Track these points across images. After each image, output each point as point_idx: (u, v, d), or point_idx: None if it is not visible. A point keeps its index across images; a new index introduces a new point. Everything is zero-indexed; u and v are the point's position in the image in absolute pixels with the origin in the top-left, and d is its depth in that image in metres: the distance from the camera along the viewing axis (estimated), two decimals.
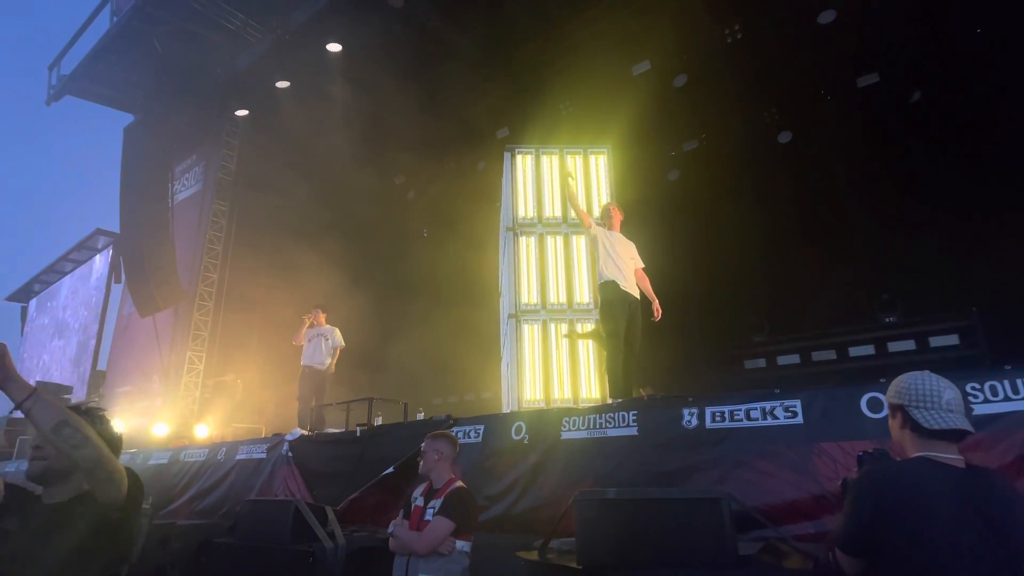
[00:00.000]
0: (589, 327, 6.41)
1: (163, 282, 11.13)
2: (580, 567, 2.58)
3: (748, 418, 3.37)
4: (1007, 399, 2.75)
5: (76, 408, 1.66)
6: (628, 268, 5.02)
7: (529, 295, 6.70)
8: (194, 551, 4.78)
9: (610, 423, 3.89)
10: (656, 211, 8.70)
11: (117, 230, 13.65)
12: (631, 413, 3.85)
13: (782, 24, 8.42)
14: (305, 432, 6.50)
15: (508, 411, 6.18)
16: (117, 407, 12.19)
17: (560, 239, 6.95)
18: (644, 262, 5.27)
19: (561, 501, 3.45)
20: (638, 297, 5.01)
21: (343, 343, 7.50)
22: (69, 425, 1.48)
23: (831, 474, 2.97)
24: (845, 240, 8.10)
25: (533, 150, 7.32)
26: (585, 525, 2.66)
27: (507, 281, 6.98)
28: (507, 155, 7.35)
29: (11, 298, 21.28)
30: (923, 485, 1.52)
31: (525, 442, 4.23)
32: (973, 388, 2.82)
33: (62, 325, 17.25)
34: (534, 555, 2.92)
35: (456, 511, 2.71)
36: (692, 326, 8.79)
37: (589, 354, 6.46)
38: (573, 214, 6.61)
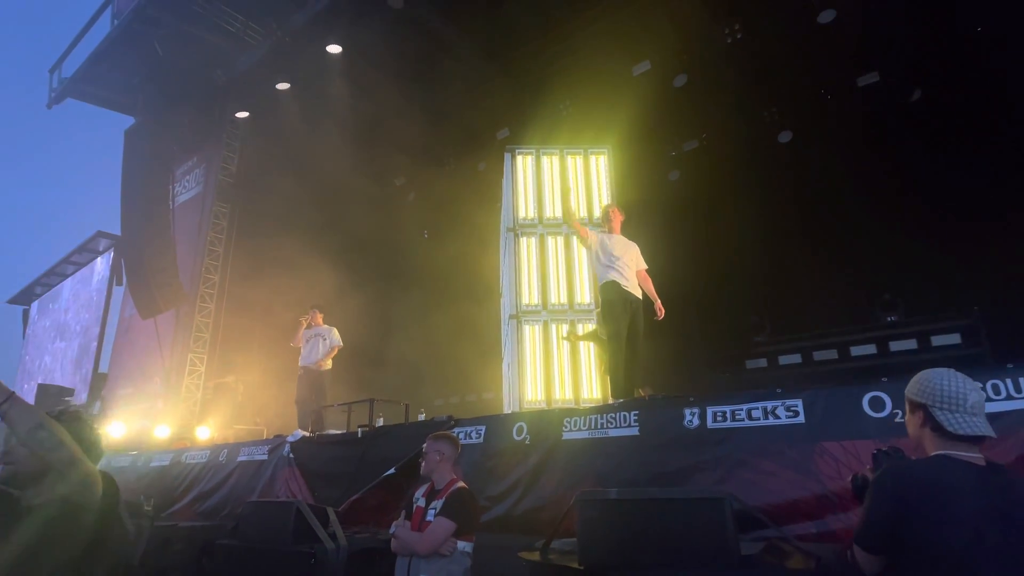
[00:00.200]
0: (590, 327, 6.41)
1: (164, 284, 11.14)
2: (582, 567, 2.58)
3: (750, 418, 3.37)
4: (1009, 398, 2.75)
5: (53, 412, 1.71)
6: (629, 269, 5.01)
7: (530, 295, 6.70)
8: (196, 553, 4.80)
9: (611, 423, 3.89)
10: (657, 211, 8.70)
11: (118, 232, 13.65)
12: (632, 413, 3.85)
13: (782, 24, 8.42)
14: (306, 434, 6.50)
15: (509, 412, 6.18)
16: (119, 409, 12.20)
17: (561, 239, 6.95)
18: (645, 262, 5.27)
19: (562, 501, 3.45)
20: (640, 297, 5.01)
21: (341, 343, 7.46)
22: (44, 428, 1.54)
23: (833, 473, 2.96)
24: (846, 239, 8.09)
25: (534, 151, 7.33)
26: (587, 525, 2.66)
27: (508, 282, 6.98)
28: (507, 156, 7.36)
29: (13, 301, 21.31)
30: (944, 483, 1.51)
31: (526, 442, 4.23)
32: None
33: (64, 327, 17.28)
34: (536, 556, 2.91)
35: (458, 512, 2.71)
36: (693, 326, 8.79)
37: (590, 354, 6.46)
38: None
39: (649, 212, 8.06)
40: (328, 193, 12.43)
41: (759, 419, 3.34)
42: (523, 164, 7.23)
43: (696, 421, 3.54)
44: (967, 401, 1.59)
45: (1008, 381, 2.78)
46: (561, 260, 6.86)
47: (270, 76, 10.97)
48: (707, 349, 8.99)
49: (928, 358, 7.06)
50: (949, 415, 1.59)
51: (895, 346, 7.49)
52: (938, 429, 1.60)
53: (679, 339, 7.74)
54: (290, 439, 6.25)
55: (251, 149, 12.50)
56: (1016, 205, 6.63)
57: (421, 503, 2.85)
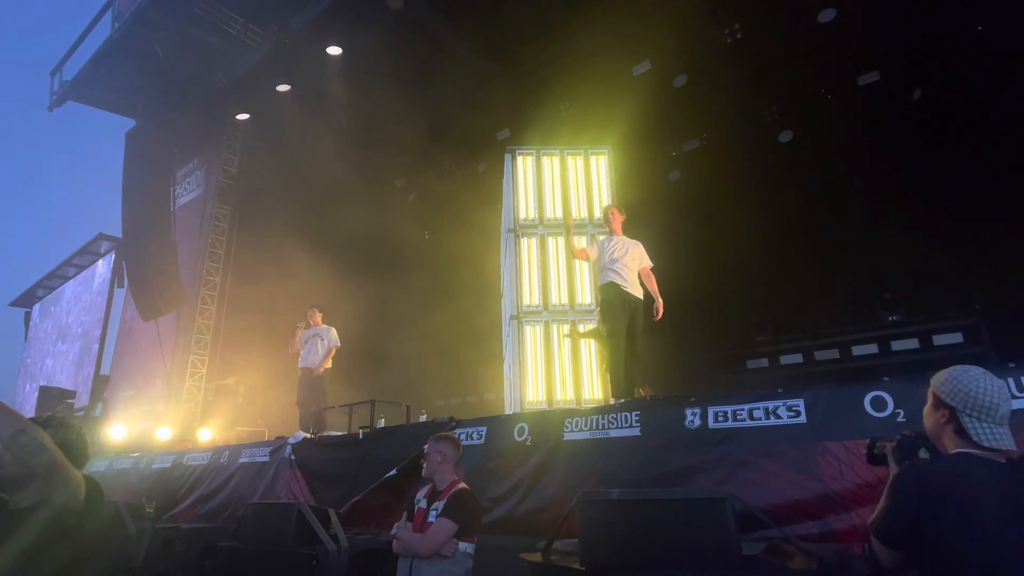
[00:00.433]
0: (591, 327, 6.41)
1: (165, 286, 11.15)
2: (583, 568, 2.58)
3: (751, 418, 3.37)
4: (1012, 396, 2.74)
5: (40, 419, 1.77)
6: (629, 270, 5.02)
7: (531, 296, 6.69)
8: (198, 554, 4.80)
9: (613, 424, 3.89)
10: (657, 211, 8.69)
11: (119, 235, 13.69)
12: (634, 413, 3.85)
13: (782, 23, 8.41)
14: (308, 435, 6.50)
15: (511, 412, 6.17)
16: (120, 411, 12.22)
17: (561, 240, 6.94)
18: (650, 260, 5.28)
19: (564, 502, 3.45)
20: (640, 297, 5.01)
21: (339, 343, 7.37)
22: (26, 433, 1.58)
23: (835, 473, 2.96)
24: (847, 239, 8.08)
25: (534, 151, 7.32)
26: (588, 526, 2.66)
27: (509, 282, 6.98)
28: (508, 156, 7.35)
29: (14, 303, 21.37)
30: (967, 480, 1.51)
31: (528, 443, 4.23)
32: None
33: (65, 330, 17.31)
34: (537, 556, 2.91)
35: (459, 513, 2.71)
36: (694, 326, 8.79)
37: (591, 355, 6.46)
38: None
39: (650, 212, 8.05)
40: (328, 194, 12.45)
41: (760, 419, 3.34)
42: (523, 165, 7.22)
43: (697, 421, 3.54)
44: (998, 411, 1.57)
45: (1010, 380, 2.77)
46: (562, 261, 6.84)
47: (270, 78, 10.99)
48: (708, 349, 8.99)
49: (930, 357, 7.06)
50: (977, 424, 1.57)
51: (896, 345, 7.48)
52: (961, 433, 1.59)
53: (680, 339, 7.74)
54: (291, 441, 6.25)
55: (252, 151, 12.50)
56: (1016, 204, 6.63)
57: (423, 504, 2.84)
